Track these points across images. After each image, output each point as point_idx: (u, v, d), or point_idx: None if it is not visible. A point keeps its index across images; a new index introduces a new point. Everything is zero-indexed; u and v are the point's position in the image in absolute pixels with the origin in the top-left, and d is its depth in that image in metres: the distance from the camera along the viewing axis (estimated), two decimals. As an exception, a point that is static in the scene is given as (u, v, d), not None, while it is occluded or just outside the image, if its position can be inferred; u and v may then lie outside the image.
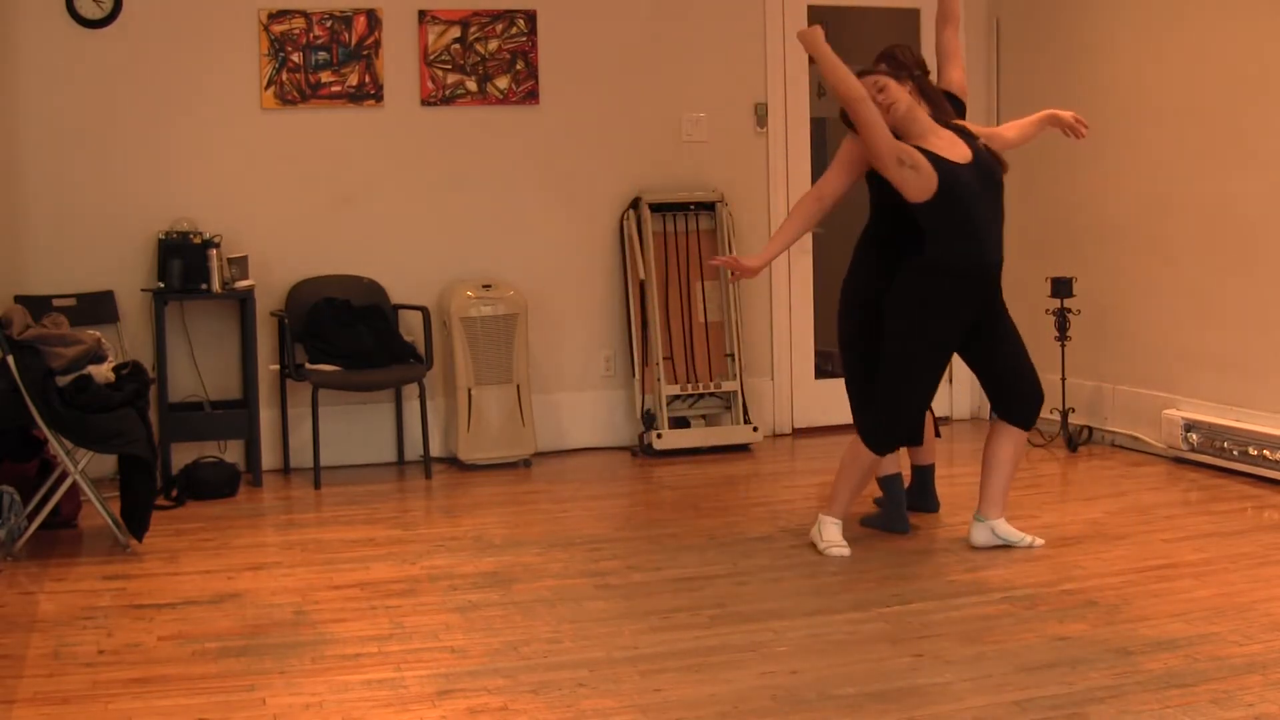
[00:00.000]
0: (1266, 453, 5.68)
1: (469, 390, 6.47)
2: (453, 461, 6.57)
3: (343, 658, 3.84)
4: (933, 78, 5.10)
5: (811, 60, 4.72)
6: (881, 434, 4.74)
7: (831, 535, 4.84)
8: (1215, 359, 6.09)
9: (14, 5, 6.08)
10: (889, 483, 5.14)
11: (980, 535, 4.83)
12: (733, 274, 5.13)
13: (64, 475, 5.05)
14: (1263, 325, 5.83)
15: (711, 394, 6.91)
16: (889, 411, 4.72)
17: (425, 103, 6.63)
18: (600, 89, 6.87)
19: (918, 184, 4.53)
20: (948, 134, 4.68)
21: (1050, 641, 3.85)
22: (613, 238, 6.93)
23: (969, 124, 4.86)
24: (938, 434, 5.44)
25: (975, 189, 4.58)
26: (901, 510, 5.14)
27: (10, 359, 4.81)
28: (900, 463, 5.15)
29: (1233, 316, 6.00)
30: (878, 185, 4.89)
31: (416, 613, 4.25)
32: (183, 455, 6.09)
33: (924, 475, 5.38)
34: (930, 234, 4.59)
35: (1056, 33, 6.95)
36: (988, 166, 4.65)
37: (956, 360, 5.18)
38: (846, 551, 4.79)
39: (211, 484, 5.94)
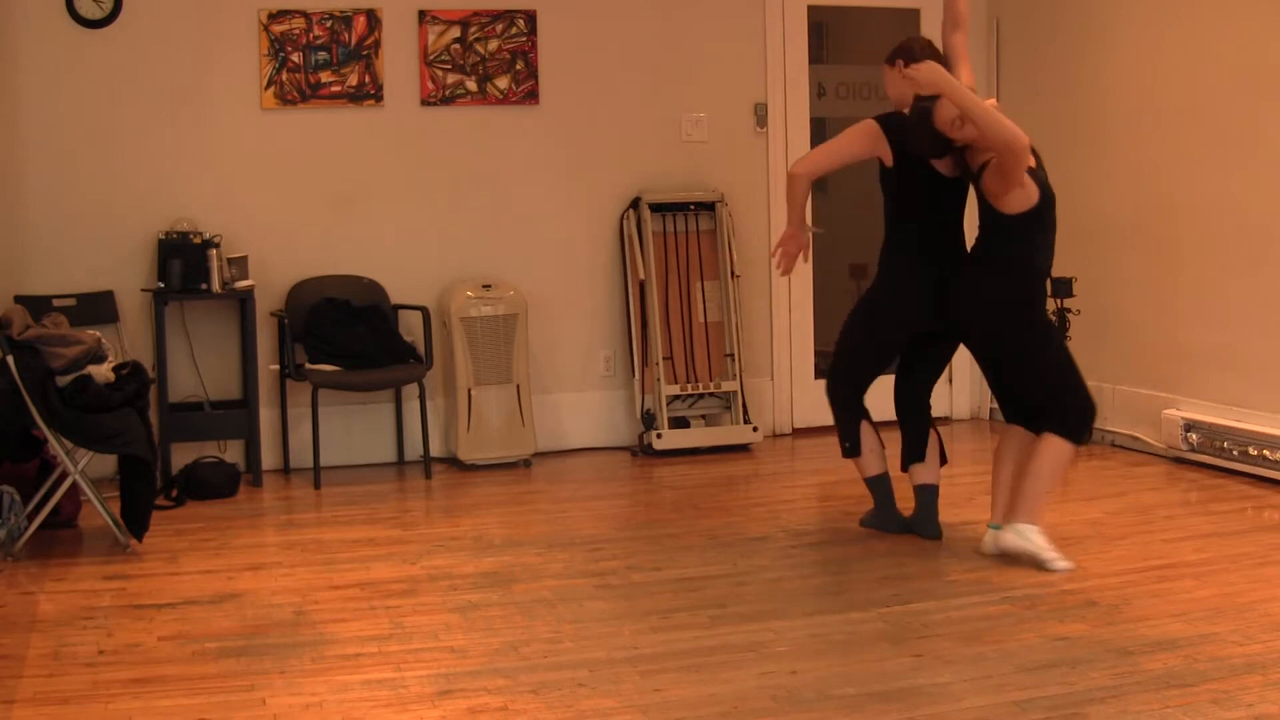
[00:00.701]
0: (1266, 453, 5.68)
1: (469, 390, 6.47)
2: (453, 461, 6.57)
3: (343, 658, 3.84)
4: None
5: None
6: (1086, 419, 4.63)
7: (1048, 543, 4.57)
8: (1215, 359, 6.09)
9: (14, 5, 6.08)
10: (876, 482, 5.09)
11: (1012, 540, 4.69)
12: (787, 257, 5.01)
13: (64, 475, 5.05)
14: (1263, 325, 5.83)
15: (711, 394, 6.91)
16: (1081, 399, 4.62)
17: (425, 103, 6.63)
18: (600, 89, 6.87)
19: (1022, 198, 4.55)
20: None
21: (1050, 641, 3.85)
22: (613, 238, 6.93)
23: None
24: (944, 459, 5.11)
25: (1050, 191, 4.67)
26: (891, 509, 5.10)
27: (10, 359, 4.81)
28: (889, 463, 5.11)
29: (1233, 316, 6.00)
30: (905, 195, 4.85)
31: (416, 613, 4.25)
32: (183, 455, 6.09)
33: (925, 496, 5.04)
34: (1020, 239, 4.60)
35: (1056, 33, 6.95)
36: (1044, 168, 4.73)
37: (955, 361, 5.18)
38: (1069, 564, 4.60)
39: (211, 484, 5.93)
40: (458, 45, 6.64)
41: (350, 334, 6.26)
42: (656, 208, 6.85)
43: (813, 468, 6.59)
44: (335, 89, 6.49)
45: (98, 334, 5.12)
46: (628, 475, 6.44)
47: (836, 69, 7.48)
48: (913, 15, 7.37)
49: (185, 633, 4.08)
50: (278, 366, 6.37)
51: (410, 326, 6.56)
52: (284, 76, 6.42)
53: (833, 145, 4.91)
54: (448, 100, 6.65)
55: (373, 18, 6.51)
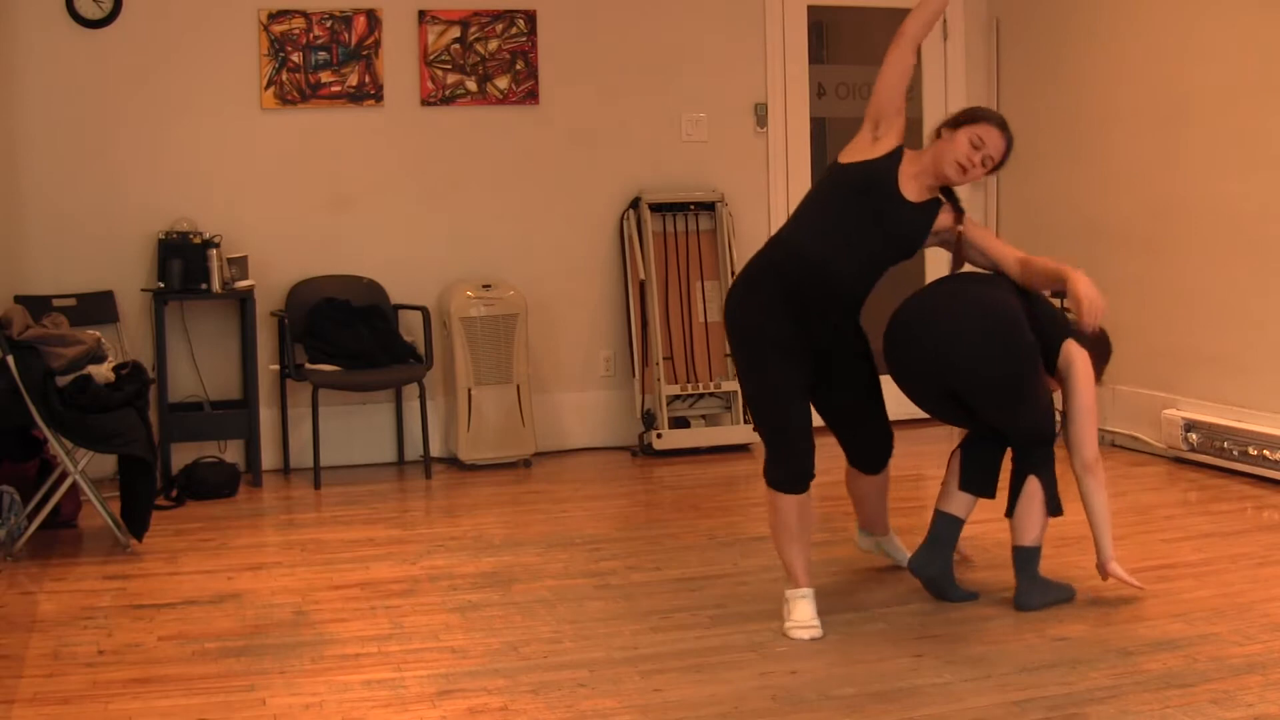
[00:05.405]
0: (1266, 453, 5.68)
1: (469, 390, 6.47)
2: (453, 461, 6.57)
3: (343, 658, 3.84)
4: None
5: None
6: None
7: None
8: (1215, 359, 6.09)
9: (14, 5, 6.08)
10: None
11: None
12: None
13: (64, 475, 5.05)
14: (1263, 325, 5.83)
15: (711, 394, 6.91)
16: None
17: (425, 103, 6.62)
18: (600, 89, 6.87)
19: None
20: None
21: (1050, 641, 3.85)
22: (613, 238, 6.93)
23: None
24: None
25: None
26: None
27: (10, 359, 4.81)
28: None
29: (1233, 316, 6.00)
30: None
31: (416, 613, 4.25)
32: (183, 455, 6.09)
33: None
34: None
35: (1056, 33, 6.95)
36: None
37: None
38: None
39: (211, 484, 5.93)
40: (458, 45, 6.64)
41: (350, 334, 6.26)
42: (656, 208, 6.85)
43: (813, 468, 6.59)
44: (335, 89, 6.49)
45: (98, 334, 5.13)
46: (628, 475, 6.44)
47: (836, 69, 7.47)
48: (913, 15, 7.36)
49: (185, 633, 4.08)
50: (278, 366, 6.37)
51: (410, 326, 6.56)
52: (284, 76, 6.42)
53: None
54: (448, 100, 6.65)
55: (373, 18, 6.51)
